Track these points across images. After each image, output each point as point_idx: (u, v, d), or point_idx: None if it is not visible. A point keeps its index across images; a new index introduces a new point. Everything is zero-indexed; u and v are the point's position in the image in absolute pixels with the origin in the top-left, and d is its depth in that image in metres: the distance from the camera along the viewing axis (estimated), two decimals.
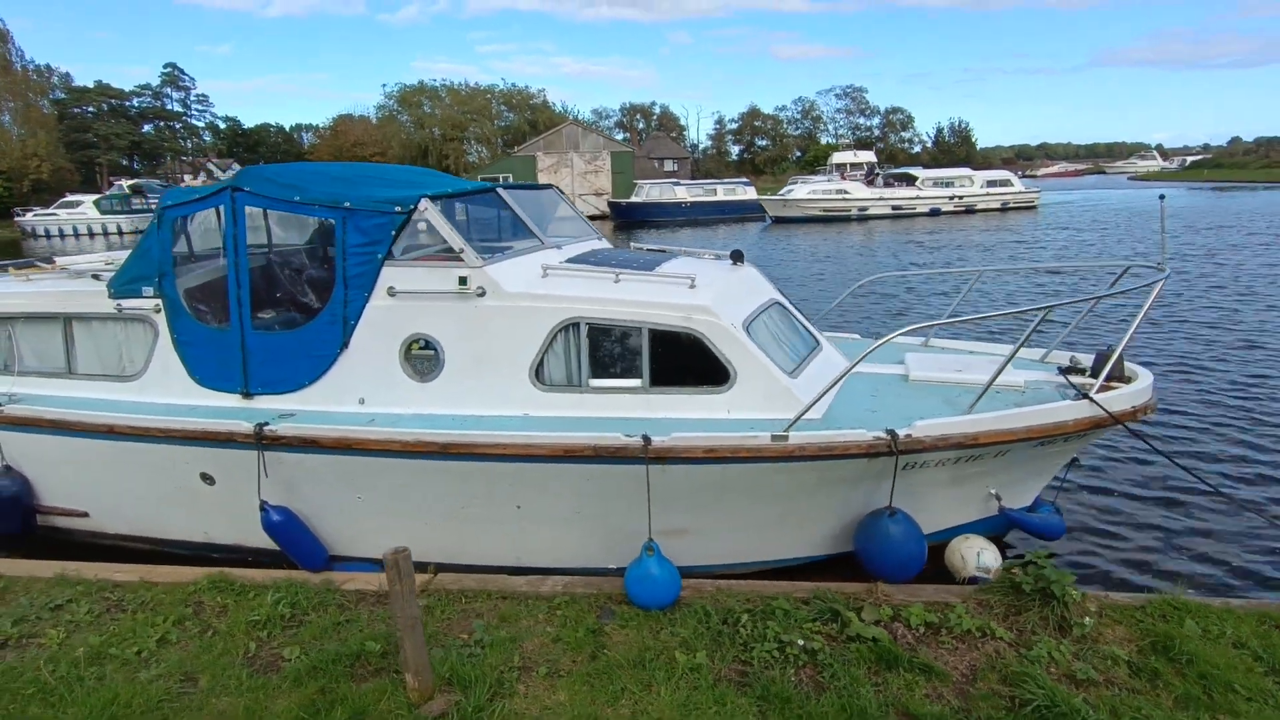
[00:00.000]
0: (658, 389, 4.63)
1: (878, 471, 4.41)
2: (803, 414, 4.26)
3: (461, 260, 4.77)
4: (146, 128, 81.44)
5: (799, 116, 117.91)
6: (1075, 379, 4.77)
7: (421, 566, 4.79)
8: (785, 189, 44.31)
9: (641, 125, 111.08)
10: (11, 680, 3.87)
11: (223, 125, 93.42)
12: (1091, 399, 4.43)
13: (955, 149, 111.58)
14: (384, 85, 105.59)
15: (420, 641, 3.58)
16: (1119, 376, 4.86)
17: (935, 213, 42.26)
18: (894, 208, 42.22)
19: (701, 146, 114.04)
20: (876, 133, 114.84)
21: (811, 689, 3.56)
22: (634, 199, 42.26)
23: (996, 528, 5.16)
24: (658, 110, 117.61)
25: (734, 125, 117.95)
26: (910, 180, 44.40)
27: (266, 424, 4.77)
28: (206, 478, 5.18)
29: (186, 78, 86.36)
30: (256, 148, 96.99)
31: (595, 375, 4.68)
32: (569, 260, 5.28)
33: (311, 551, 5.05)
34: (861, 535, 4.60)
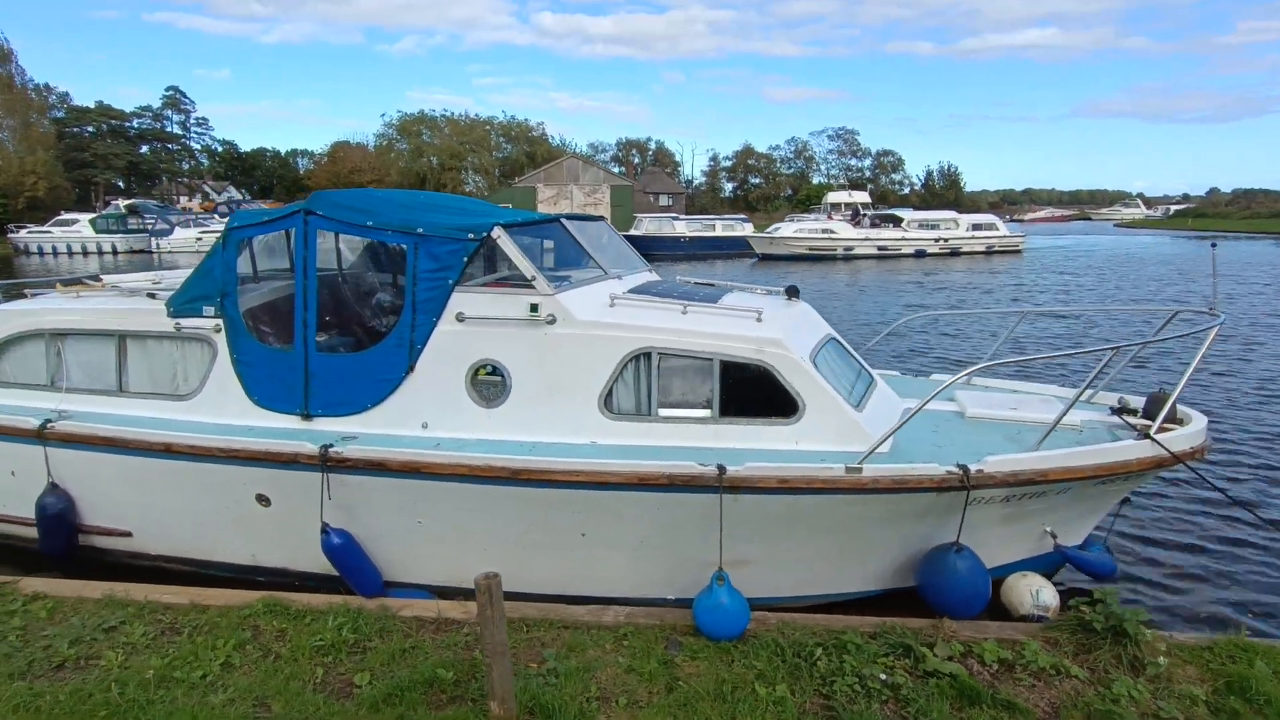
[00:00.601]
0: (727, 419, 4.68)
1: (945, 506, 4.46)
2: (876, 447, 4.32)
3: (533, 287, 4.83)
4: (144, 149, 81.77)
5: (792, 156, 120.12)
6: (1133, 420, 4.87)
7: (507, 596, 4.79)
8: (772, 227, 44.72)
9: (637, 160, 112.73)
10: (80, 702, 3.80)
11: (219, 149, 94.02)
12: (1154, 439, 4.53)
13: (944, 192, 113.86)
14: (383, 114, 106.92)
15: (507, 669, 3.56)
16: (1172, 418, 4.97)
17: (920, 254, 42.81)
18: (879, 248, 42.73)
19: (696, 182, 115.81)
20: (868, 174, 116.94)
21: (877, 713, 3.57)
22: (633, 232, 42.66)
23: (1049, 565, 5.20)
24: (653, 146, 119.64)
25: (728, 162, 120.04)
26: (896, 221, 45.00)
27: (331, 445, 4.77)
28: (262, 499, 5.15)
29: (188, 100, 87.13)
30: (252, 171, 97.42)
31: (664, 405, 4.73)
32: (630, 291, 5.36)
33: (369, 577, 5.01)
34: (926, 570, 4.63)
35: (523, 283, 4.90)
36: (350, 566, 4.94)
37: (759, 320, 4.84)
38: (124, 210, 52.81)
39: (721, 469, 4.25)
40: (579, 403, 4.78)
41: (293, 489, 5.01)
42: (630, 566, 4.86)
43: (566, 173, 50.17)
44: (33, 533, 5.75)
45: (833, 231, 43.20)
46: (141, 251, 46.95)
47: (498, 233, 4.90)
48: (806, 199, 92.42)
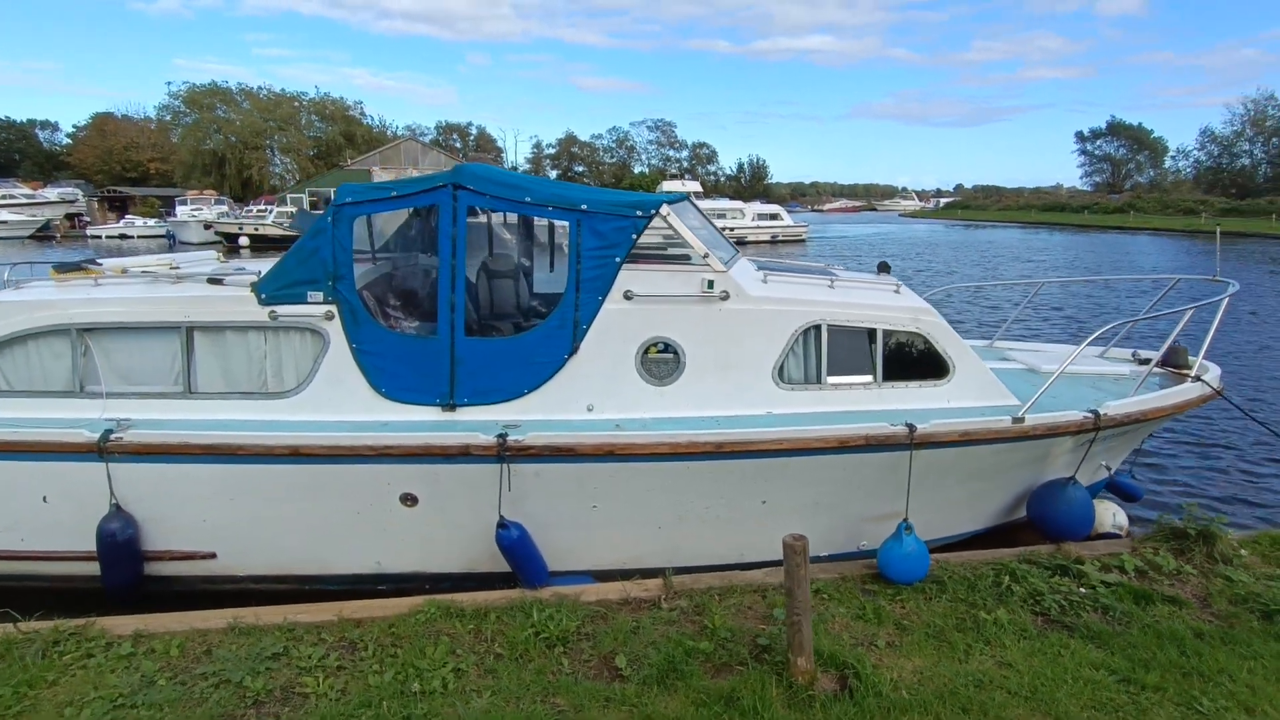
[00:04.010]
0: (889, 383, 5.09)
1: (1069, 447, 5.21)
2: (1035, 399, 4.95)
3: (707, 264, 4.90)
4: None
5: (614, 145, 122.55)
6: (1168, 369, 5.95)
7: (654, 573, 4.84)
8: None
9: (459, 145, 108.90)
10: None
11: None
12: (1205, 381, 5.62)
13: (753, 184, 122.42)
14: (169, 83, 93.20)
15: (810, 625, 3.73)
16: (1184, 366, 6.13)
17: None
18: (665, 237, 45.15)
19: (521, 169, 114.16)
20: (685, 164, 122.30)
21: (1113, 624, 4.22)
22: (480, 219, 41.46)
23: (1099, 490, 6.21)
24: (475, 131, 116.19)
25: (552, 150, 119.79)
26: None
27: (507, 434, 4.54)
28: (408, 499, 4.76)
29: None
30: None
31: (832, 373, 5.03)
32: (760, 269, 5.57)
33: (539, 567, 4.83)
34: (1043, 503, 5.36)
35: (682, 259, 4.94)
36: (523, 558, 4.74)
37: (898, 292, 5.29)
38: None
39: (911, 427, 4.66)
40: (753, 375, 4.94)
41: (449, 485, 4.70)
42: (798, 529, 5.10)
43: (405, 156, 47.40)
44: (83, 568, 4.84)
45: None
46: None
47: (665, 210, 4.90)
48: (630, 188, 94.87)
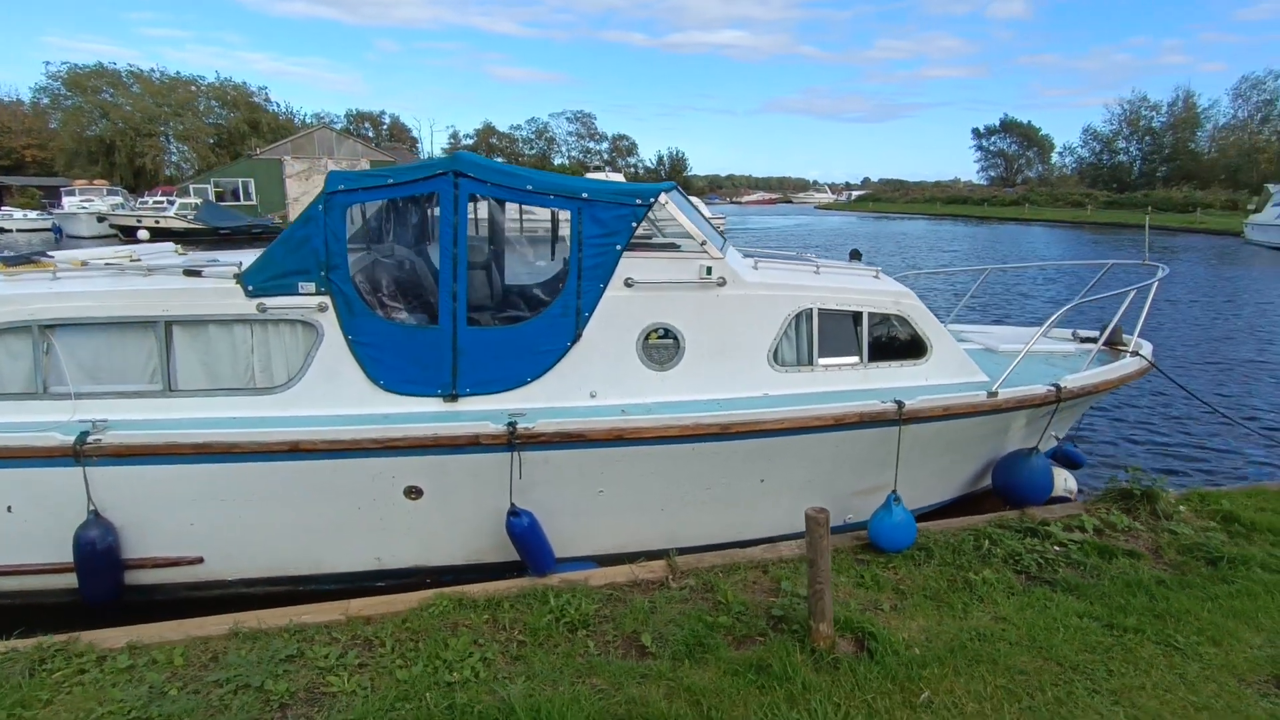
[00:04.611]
0: (874, 364, 5.36)
1: (1033, 418, 5.63)
2: (1006, 375, 5.32)
3: (704, 252, 5.02)
4: None
5: (533, 137, 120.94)
6: (1105, 346, 6.50)
7: (655, 555, 4.97)
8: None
9: (370, 133, 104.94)
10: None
11: None
12: (1144, 356, 6.18)
13: (674, 176, 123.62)
14: (47, 63, 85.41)
15: (830, 593, 3.93)
16: (1120, 343, 6.72)
17: None
18: (649, 227, 45.67)
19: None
20: (605, 156, 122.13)
21: (1086, 577, 4.63)
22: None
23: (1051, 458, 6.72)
24: (387, 120, 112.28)
25: (469, 140, 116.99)
26: None
27: (516, 422, 4.54)
28: (413, 492, 4.69)
29: None
30: None
31: (823, 355, 5.26)
32: (745, 256, 5.74)
33: (547, 554, 4.85)
34: (1008, 472, 5.77)
35: (669, 247, 5.05)
36: (534, 546, 4.75)
37: (877, 278, 5.57)
38: None
39: (900, 404, 4.95)
40: (750, 359, 5.11)
41: (456, 476, 4.66)
42: (791, 506, 5.32)
43: (318, 145, 45.25)
44: (55, 581, 4.54)
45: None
46: None
47: (664, 198, 4.99)
48: None
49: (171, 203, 39.25)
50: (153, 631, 4.25)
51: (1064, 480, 6.17)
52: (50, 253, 5.51)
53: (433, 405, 4.81)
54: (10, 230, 43.40)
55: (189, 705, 3.57)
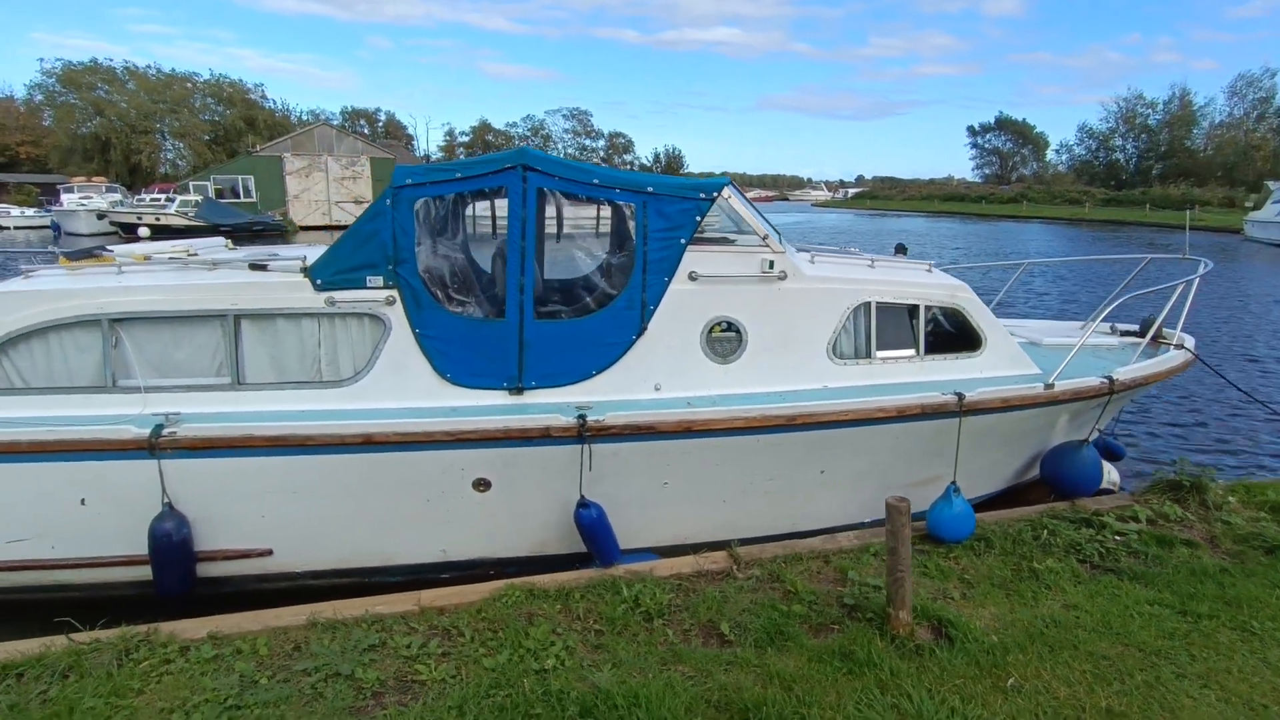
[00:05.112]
0: (930, 356, 5.41)
1: (1084, 410, 5.69)
2: (1061, 369, 5.38)
3: (766, 245, 5.06)
4: None
5: (529, 134, 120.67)
6: (1147, 340, 6.57)
7: (714, 546, 5.01)
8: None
9: (366, 130, 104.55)
10: (504, 709, 3.39)
11: None
12: (1189, 349, 6.25)
13: (671, 173, 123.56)
14: (41, 60, 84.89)
15: (910, 581, 3.98)
16: (1159, 336, 6.78)
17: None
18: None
19: (435, 157, 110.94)
20: (602, 154, 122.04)
21: (1149, 565, 4.69)
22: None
23: None
24: (383, 117, 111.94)
25: (465, 138, 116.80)
26: None
27: (585, 415, 4.58)
28: (481, 484, 4.72)
29: None
30: None
31: (880, 347, 5.30)
32: (799, 250, 5.78)
33: (613, 546, 4.89)
34: (1058, 463, 5.83)
35: (724, 241, 5.09)
36: (601, 537, 4.79)
37: (930, 271, 5.62)
38: None
39: (961, 396, 5.00)
40: (809, 352, 5.15)
41: (524, 468, 4.70)
42: (846, 497, 5.39)
43: (319, 142, 45.00)
44: (127, 574, 4.56)
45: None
46: None
47: (727, 192, 5.02)
48: None
49: (171, 200, 39.02)
50: (231, 622, 4.26)
51: (1107, 472, 6.23)
52: (109, 247, 5.51)
53: (498, 398, 4.84)
54: (8, 227, 43.11)
55: (282, 693, 3.59)
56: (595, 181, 4.84)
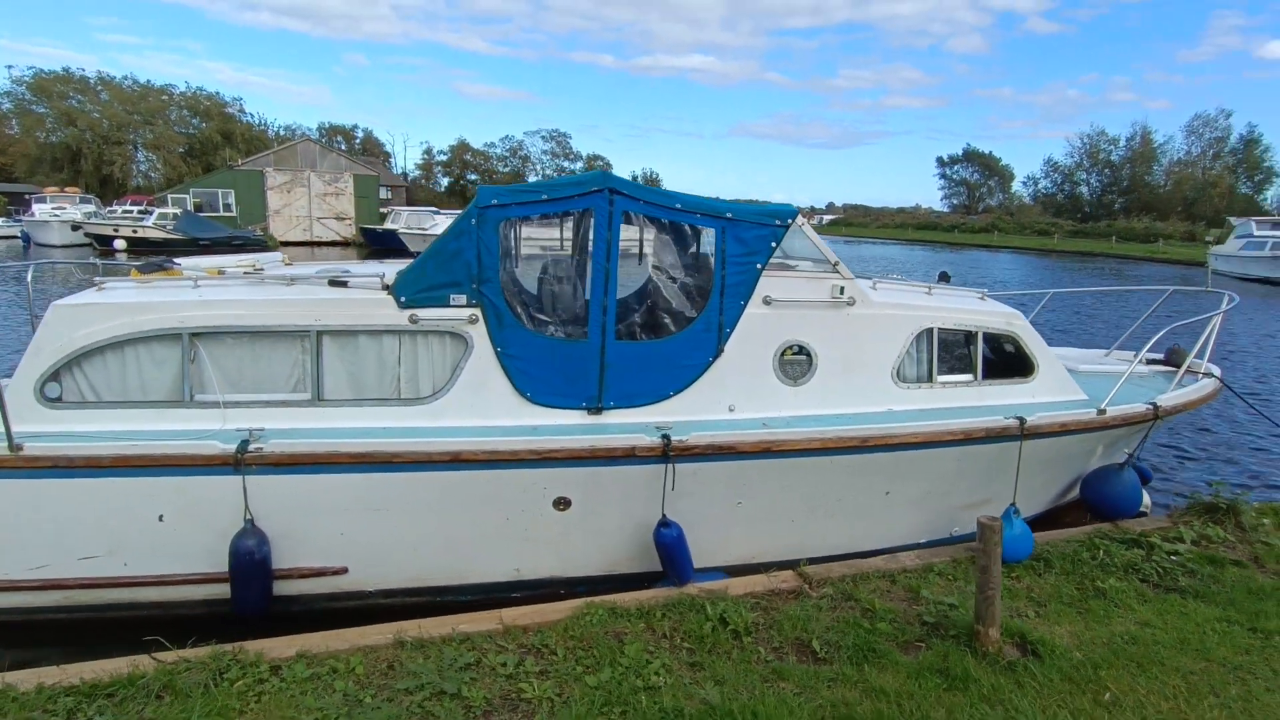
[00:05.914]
0: (987, 381, 5.59)
1: (1115, 437, 5.91)
2: (1112, 395, 5.59)
3: (836, 272, 5.21)
4: None
5: (508, 154, 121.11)
6: (1176, 369, 6.85)
7: (782, 566, 5.09)
8: (431, 224, 42.49)
9: (343, 147, 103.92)
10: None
11: None
12: (1217, 378, 6.52)
13: None
14: (10, 67, 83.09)
15: (999, 599, 4.09)
16: (1179, 365, 7.06)
17: None
18: None
19: (412, 175, 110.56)
20: None
21: (1208, 584, 4.87)
22: (391, 226, 39.78)
23: None
24: (360, 134, 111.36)
25: (444, 156, 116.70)
26: None
27: (669, 435, 4.64)
28: (562, 503, 4.74)
29: None
30: None
31: (941, 372, 5.47)
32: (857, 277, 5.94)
33: (688, 564, 4.93)
34: (1099, 485, 6.03)
35: (786, 266, 5.25)
36: (678, 557, 4.83)
37: (983, 299, 5.82)
38: None
39: (1022, 420, 5.17)
40: (875, 376, 5.29)
41: (605, 488, 4.74)
42: (906, 518, 5.51)
43: (302, 157, 44.63)
44: (203, 591, 4.49)
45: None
46: None
47: (800, 220, 5.17)
48: None
49: (148, 212, 38.34)
50: (317, 641, 4.21)
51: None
52: (176, 260, 5.46)
53: (576, 418, 4.88)
54: None
55: (392, 712, 3.56)
56: (678, 206, 4.96)
